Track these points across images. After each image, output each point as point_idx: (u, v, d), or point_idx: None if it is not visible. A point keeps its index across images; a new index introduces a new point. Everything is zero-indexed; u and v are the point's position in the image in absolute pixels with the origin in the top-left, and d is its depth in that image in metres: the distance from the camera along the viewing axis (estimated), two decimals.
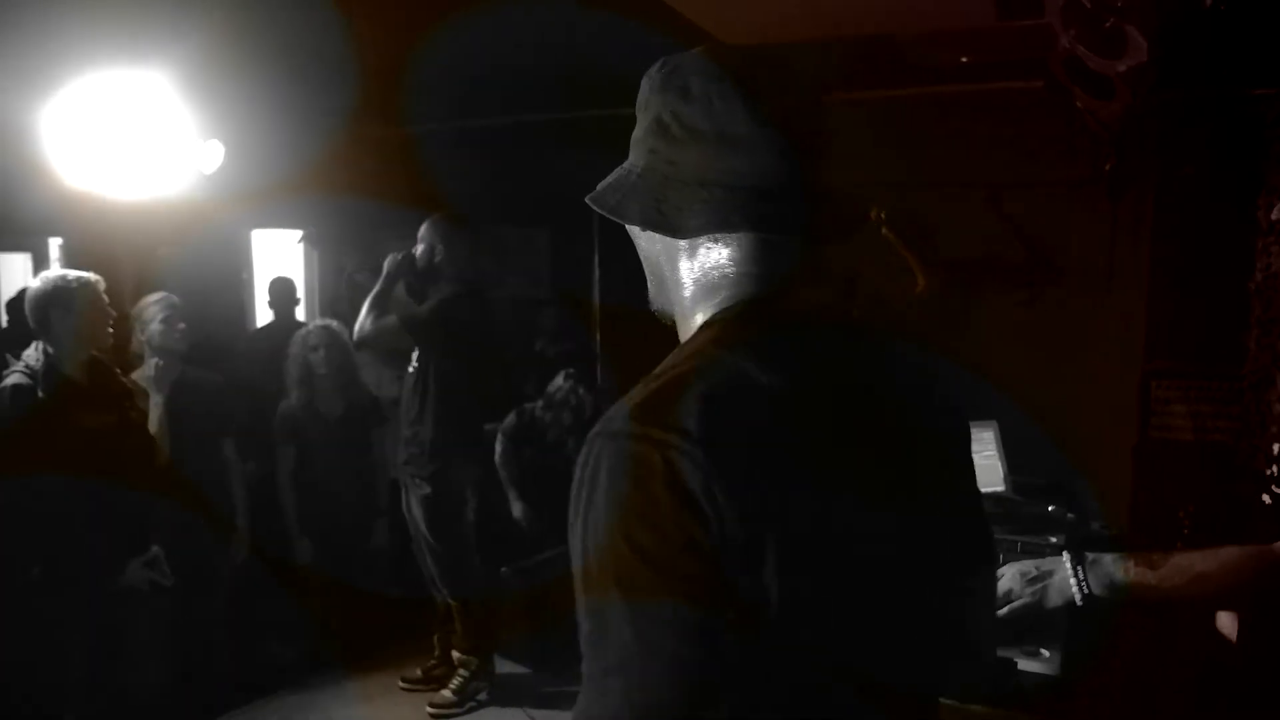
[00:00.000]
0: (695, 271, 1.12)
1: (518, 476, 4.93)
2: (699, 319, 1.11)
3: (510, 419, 4.99)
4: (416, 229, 4.30)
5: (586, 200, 1.15)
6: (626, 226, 1.17)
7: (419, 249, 4.24)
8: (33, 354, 3.33)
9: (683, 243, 1.11)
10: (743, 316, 1.08)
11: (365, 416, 4.72)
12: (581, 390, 4.95)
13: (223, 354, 4.81)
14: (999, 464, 3.05)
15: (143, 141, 3.87)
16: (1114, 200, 3.65)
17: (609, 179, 1.16)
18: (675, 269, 1.14)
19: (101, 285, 3.43)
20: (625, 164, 1.16)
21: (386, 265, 4.26)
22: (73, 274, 3.40)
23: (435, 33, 3.78)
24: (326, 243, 6.48)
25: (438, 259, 4.21)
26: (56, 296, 3.32)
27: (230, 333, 5.49)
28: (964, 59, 3.93)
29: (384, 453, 4.74)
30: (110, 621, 3.48)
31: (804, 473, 0.97)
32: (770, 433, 0.97)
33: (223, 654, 4.23)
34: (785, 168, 1.06)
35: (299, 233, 6.49)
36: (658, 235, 1.13)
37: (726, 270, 1.10)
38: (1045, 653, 1.80)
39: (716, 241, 1.09)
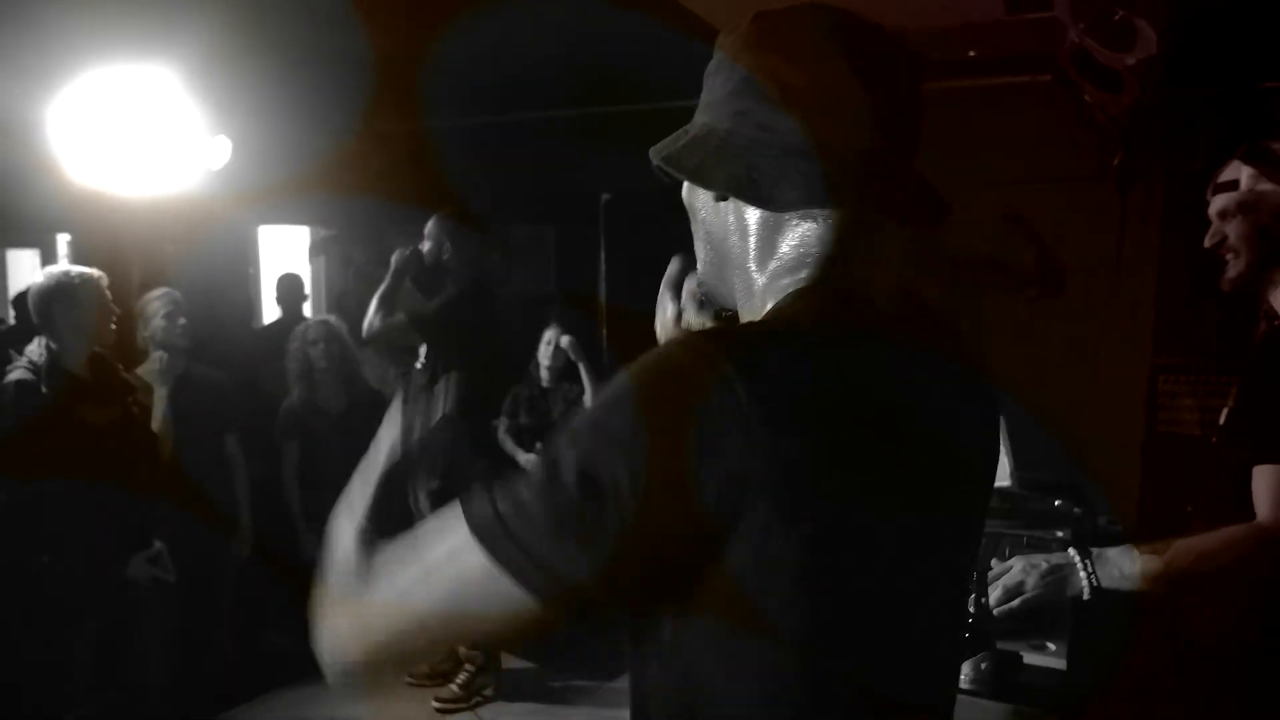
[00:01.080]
0: (776, 249, 1.00)
1: (517, 440, 4.90)
2: (769, 302, 1.01)
3: (507, 401, 4.98)
4: (424, 226, 4.30)
5: (657, 162, 1.03)
6: (687, 197, 1.06)
7: (426, 246, 4.24)
8: (36, 349, 3.34)
9: (764, 216, 1.00)
10: (822, 299, 0.98)
11: (368, 411, 4.71)
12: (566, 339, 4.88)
13: (230, 350, 4.82)
14: (1005, 458, 3.05)
15: (150, 137, 3.87)
16: (1123, 195, 3.64)
17: (679, 141, 1.03)
18: (747, 245, 1.02)
19: (105, 281, 3.44)
20: (696, 126, 1.03)
21: (394, 262, 4.26)
22: (75, 269, 3.41)
23: (443, 29, 3.79)
24: (334, 239, 6.49)
25: (445, 256, 4.21)
26: (59, 292, 3.33)
27: (237, 329, 5.50)
28: (972, 53, 3.93)
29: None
30: (114, 617, 3.49)
31: (834, 468, 0.88)
32: (816, 408, 0.87)
33: (227, 649, 4.23)
34: (890, 142, 0.97)
35: (308, 240, 6.50)
36: (731, 207, 1.01)
37: (812, 250, 0.99)
38: (1051, 646, 1.80)
39: (805, 218, 0.98)
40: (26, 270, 5.88)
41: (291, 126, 4.95)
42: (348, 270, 6.19)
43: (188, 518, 3.74)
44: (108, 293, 3.44)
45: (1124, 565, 1.70)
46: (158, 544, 3.54)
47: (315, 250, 6.50)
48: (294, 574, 4.50)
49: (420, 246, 4.26)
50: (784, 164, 0.96)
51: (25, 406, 3.23)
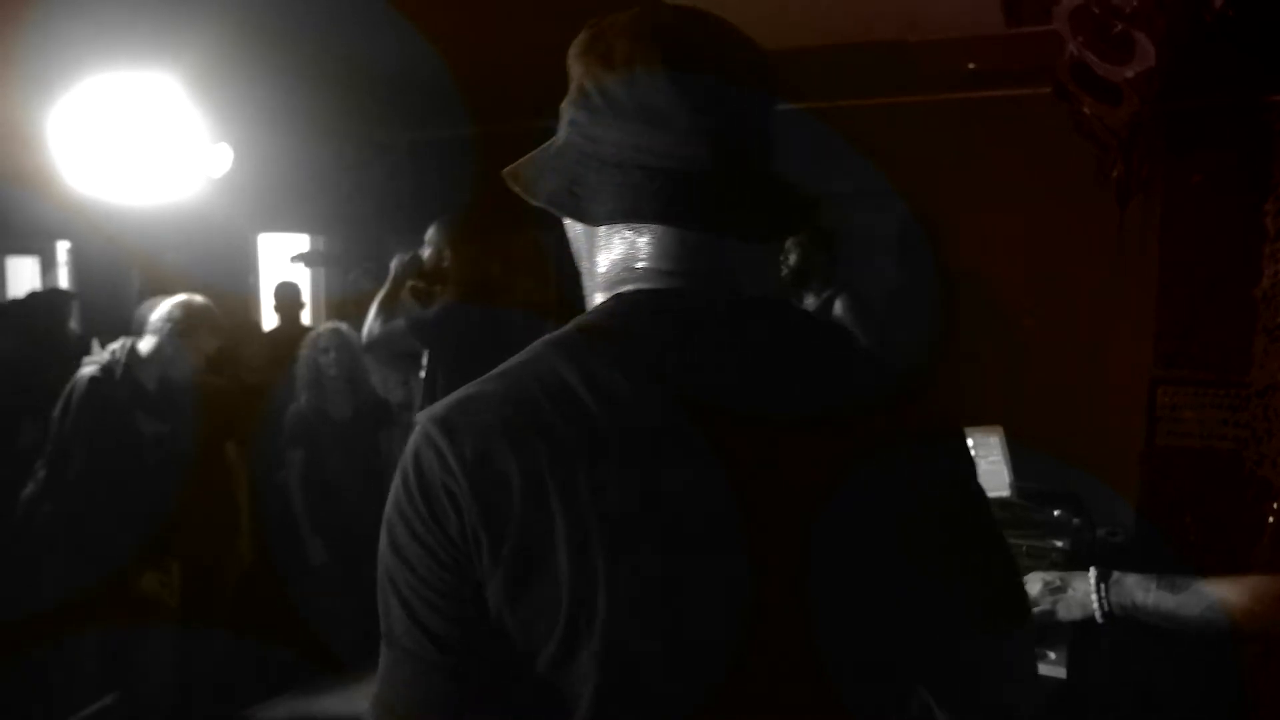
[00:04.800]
0: (605, 263, 0.99)
1: None
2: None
3: None
4: (424, 232, 4.30)
5: (502, 172, 1.03)
6: None
7: (426, 251, 4.24)
8: (119, 350, 3.37)
9: (600, 229, 0.99)
10: (606, 311, 0.97)
11: (374, 418, 4.71)
12: None
13: (229, 358, 4.81)
14: (1004, 469, 3.05)
15: (151, 145, 3.87)
16: (1122, 207, 3.64)
17: (532, 153, 1.03)
18: (592, 258, 1.01)
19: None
20: (553, 137, 1.03)
21: (393, 267, 4.26)
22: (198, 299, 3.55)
23: (443, 36, 3.79)
24: (333, 247, 6.48)
25: (445, 262, 4.21)
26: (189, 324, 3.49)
27: (237, 337, 5.49)
28: (972, 66, 3.94)
29: (392, 455, 4.73)
30: (120, 622, 3.48)
31: (555, 485, 0.86)
32: (516, 436, 0.88)
33: (229, 654, 4.22)
34: (712, 152, 0.92)
35: (300, 249, 6.48)
36: (568, 220, 1.03)
37: (634, 265, 0.97)
38: (1051, 655, 1.80)
39: (631, 230, 0.97)
40: (26, 277, 5.87)
41: (293, 134, 4.96)
42: (346, 277, 6.19)
43: (190, 524, 3.74)
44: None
45: (1137, 596, 1.67)
46: (174, 567, 3.55)
47: (312, 259, 6.48)
48: (297, 580, 4.51)
49: (420, 252, 4.25)
50: (603, 177, 0.94)
51: (87, 404, 3.25)
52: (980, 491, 1.01)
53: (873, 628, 0.95)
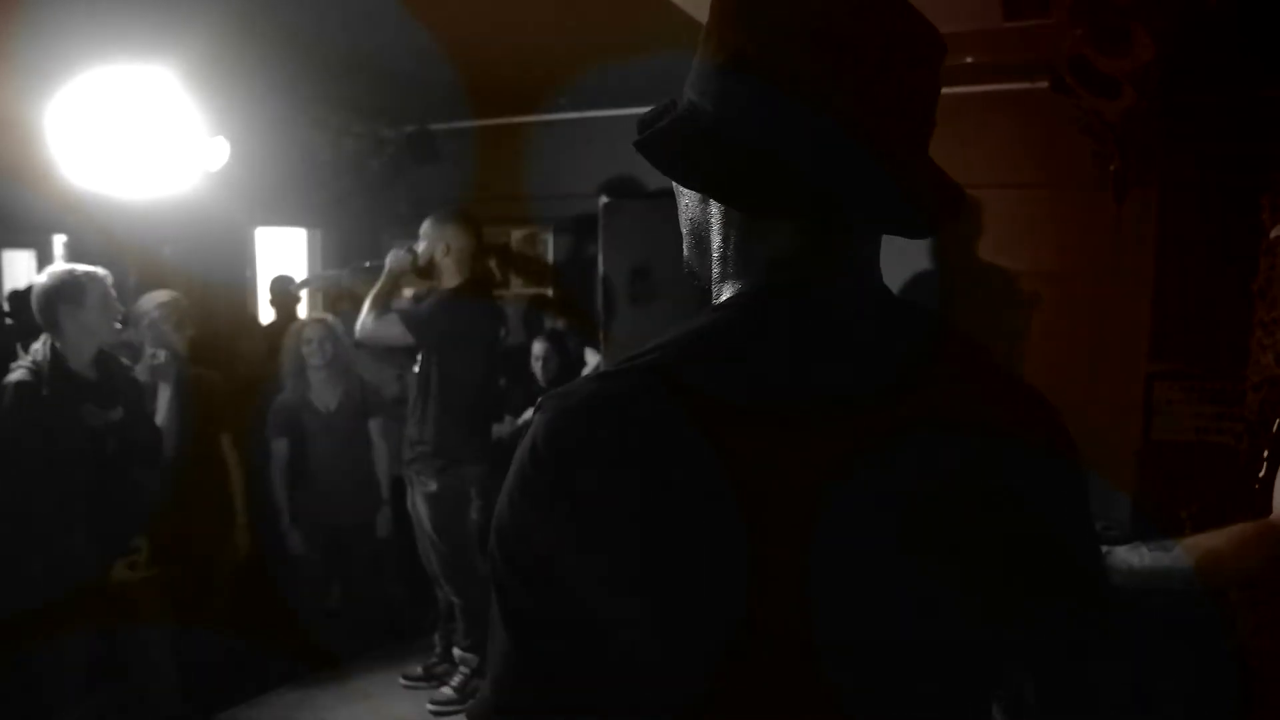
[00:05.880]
0: (746, 252, 0.91)
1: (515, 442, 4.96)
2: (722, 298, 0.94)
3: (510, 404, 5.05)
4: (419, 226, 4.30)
5: (635, 144, 0.90)
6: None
7: (421, 246, 4.24)
8: (40, 349, 3.33)
9: (741, 216, 0.91)
10: (746, 307, 0.89)
11: (360, 409, 4.70)
12: (539, 346, 5.07)
13: (225, 352, 4.81)
14: None
15: (148, 138, 3.87)
16: (1118, 201, 3.64)
17: (663, 122, 0.90)
18: (727, 246, 0.92)
19: (109, 280, 3.44)
20: (683, 103, 0.91)
21: (388, 262, 4.26)
22: (80, 268, 3.40)
23: (440, 31, 3.79)
24: (330, 242, 6.48)
25: (440, 257, 4.21)
26: (64, 291, 3.32)
27: (234, 331, 5.49)
28: (970, 59, 3.93)
29: (383, 447, 4.72)
30: (107, 618, 3.48)
31: (650, 494, 0.82)
32: (652, 455, 0.82)
33: (223, 650, 4.23)
34: (892, 137, 0.84)
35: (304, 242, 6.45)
36: (711, 201, 0.93)
37: (780, 256, 0.89)
38: None
39: (785, 220, 0.88)
40: (22, 270, 5.86)
41: (290, 127, 4.95)
42: (342, 272, 6.18)
43: (184, 518, 3.74)
44: (113, 291, 3.44)
45: (1132, 561, 1.71)
46: (135, 542, 3.51)
47: (310, 252, 6.46)
48: (283, 572, 4.49)
49: (415, 247, 4.25)
50: (770, 163, 0.84)
51: (24, 407, 3.22)
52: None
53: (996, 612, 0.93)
